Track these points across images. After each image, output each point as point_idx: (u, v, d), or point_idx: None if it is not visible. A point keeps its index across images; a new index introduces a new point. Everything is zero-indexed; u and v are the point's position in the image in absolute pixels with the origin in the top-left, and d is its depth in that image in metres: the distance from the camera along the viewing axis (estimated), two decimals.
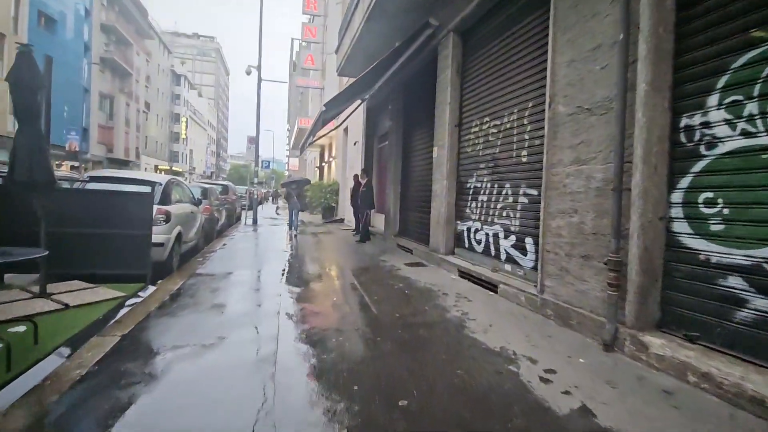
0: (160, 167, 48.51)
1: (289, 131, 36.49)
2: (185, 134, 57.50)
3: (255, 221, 13.33)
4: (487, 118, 5.48)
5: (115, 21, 35.89)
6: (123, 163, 38.08)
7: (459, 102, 6.21)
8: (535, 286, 4.02)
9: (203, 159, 68.28)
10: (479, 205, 5.62)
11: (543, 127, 4.01)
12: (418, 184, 8.05)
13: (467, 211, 5.92)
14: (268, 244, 8.94)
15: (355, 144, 12.80)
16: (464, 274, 5.39)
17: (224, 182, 15.01)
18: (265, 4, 11.84)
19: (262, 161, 28.91)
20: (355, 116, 13.12)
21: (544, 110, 4.02)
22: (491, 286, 4.75)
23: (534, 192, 4.37)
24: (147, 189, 5.71)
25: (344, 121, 12.83)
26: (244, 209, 17.05)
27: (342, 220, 15.12)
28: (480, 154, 5.61)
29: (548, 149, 3.85)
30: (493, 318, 3.79)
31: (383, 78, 8.14)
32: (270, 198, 38.25)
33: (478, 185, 5.63)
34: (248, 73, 12.84)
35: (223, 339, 3.11)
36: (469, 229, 5.84)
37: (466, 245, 5.90)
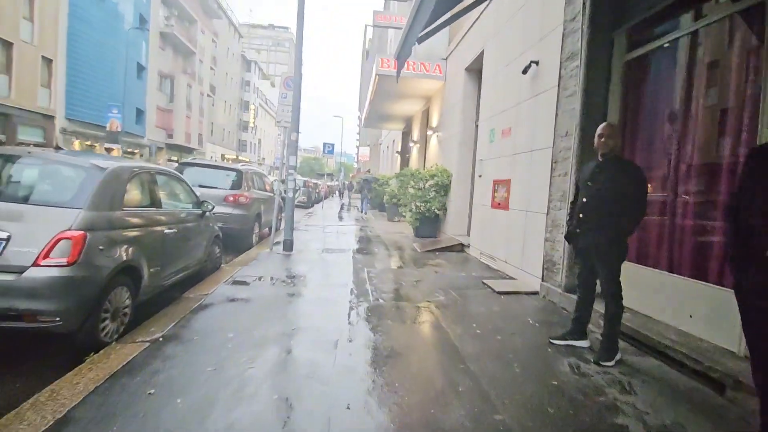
0: (226, 156, 45.36)
1: (360, 118, 30.35)
2: (254, 123, 54.31)
3: (288, 245, 6.52)
4: None
5: None
6: (185, 150, 34.71)
7: None
8: None
9: (272, 150, 65.38)
10: None
11: None
12: None
13: None
14: None
15: (526, 71, 5.19)
16: None
17: (239, 166, 8.06)
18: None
19: (324, 144, 22.31)
20: (512, 12, 5.74)
21: None
22: None
23: None
24: None
25: (466, 32, 5.39)
26: (303, 205, 10.02)
27: (461, 248, 7.67)
28: None
29: None
30: None
31: None
32: (337, 192, 32.32)
33: None
34: None
35: None
36: None
37: None
